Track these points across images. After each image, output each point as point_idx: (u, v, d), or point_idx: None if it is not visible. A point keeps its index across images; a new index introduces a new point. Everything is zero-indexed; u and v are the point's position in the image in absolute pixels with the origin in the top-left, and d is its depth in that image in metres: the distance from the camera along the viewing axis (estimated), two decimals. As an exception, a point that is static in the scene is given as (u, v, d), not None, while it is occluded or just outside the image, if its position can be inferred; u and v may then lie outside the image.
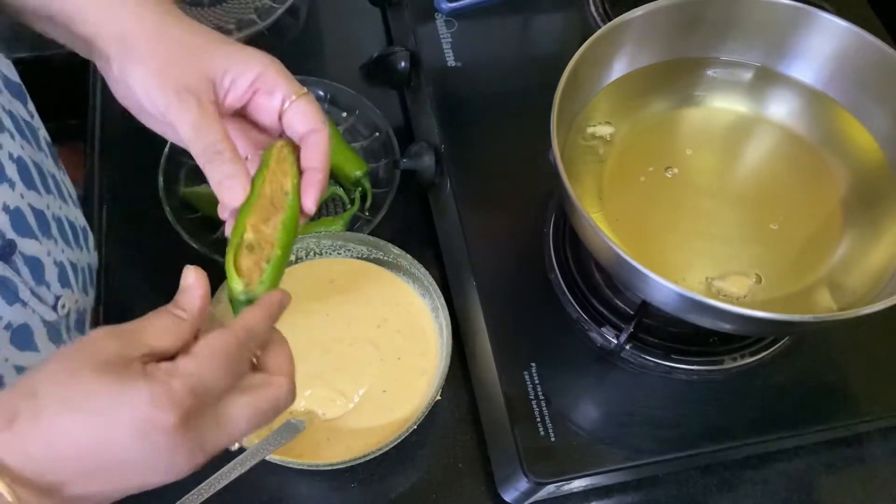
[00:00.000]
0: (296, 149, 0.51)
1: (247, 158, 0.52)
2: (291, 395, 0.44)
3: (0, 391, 0.38)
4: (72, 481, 0.37)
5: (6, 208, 0.53)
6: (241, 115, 0.53)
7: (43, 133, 0.64)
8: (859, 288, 0.61)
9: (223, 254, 0.48)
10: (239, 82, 0.50)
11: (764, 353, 0.66)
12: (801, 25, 0.68)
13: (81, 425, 0.37)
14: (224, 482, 0.50)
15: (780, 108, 0.71)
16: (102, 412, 0.37)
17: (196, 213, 0.75)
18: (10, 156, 0.54)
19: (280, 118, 0.51)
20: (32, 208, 0.56)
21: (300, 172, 0.50)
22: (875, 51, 0.65)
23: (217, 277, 0.48)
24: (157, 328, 0.41)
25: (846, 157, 0.68)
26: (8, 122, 0.55)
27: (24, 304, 0.54)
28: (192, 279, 0.44)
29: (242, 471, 0.52)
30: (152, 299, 0.73)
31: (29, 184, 0.56)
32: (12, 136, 0.55)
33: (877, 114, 0.67)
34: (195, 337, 0.43)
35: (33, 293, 0.55)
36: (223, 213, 0.50)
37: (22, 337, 0.55)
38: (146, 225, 0.74)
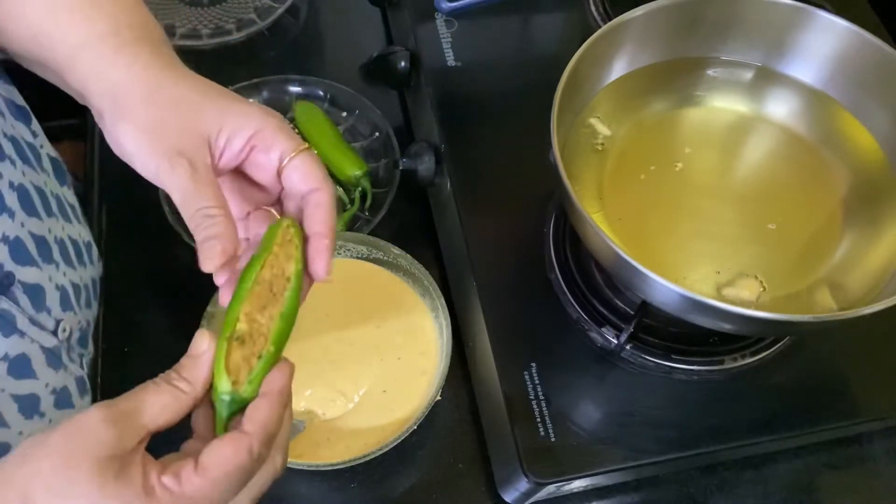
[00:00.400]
0: (301, 229, 0.47)
1: (247, 215, 0.49)
2: (285, 464, 0.44)
3: None
4: None
5: (5, 239, 0.52)
6: (239, 171, 0.50)
7: (46, 150, 0.63)
8: (859, 288, 0.61)
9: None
10: (235, 140, 0.47)
11: (764, 353, 0.66)
12: (801, 25, 0.68)
13: None
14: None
15: (780, 108, 0.71)
16: None
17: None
18: (11, 184, 0.53)
19: (279, 175, 0.48)
20: (33, 235, 0.55)
21: (305, 240, 0.46)
22: (875, 51, 0.65)
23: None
24: (155, 406, 0.39)
25: (846, 157, 0.68)
26: (9, 148, 0.54)
27: (23, 334, 0.53)
28: (206, 347, 0.42)
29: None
30: (152, 301, 0.72)
31: (30, 211, 0.55)
32: (13, 163, 0.54)
33: (877, 114, 0.67)
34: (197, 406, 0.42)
35: (32, 321, 0.54)
36: (219, 279, 0.45)
37: (19, 366, 0.54)
38: (146, 225, 0.74)
